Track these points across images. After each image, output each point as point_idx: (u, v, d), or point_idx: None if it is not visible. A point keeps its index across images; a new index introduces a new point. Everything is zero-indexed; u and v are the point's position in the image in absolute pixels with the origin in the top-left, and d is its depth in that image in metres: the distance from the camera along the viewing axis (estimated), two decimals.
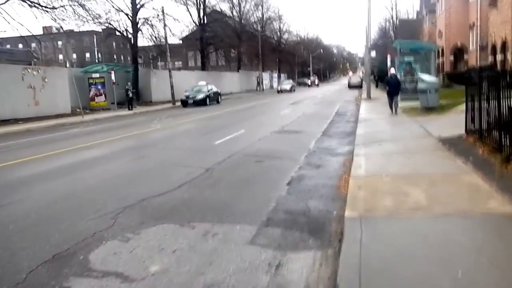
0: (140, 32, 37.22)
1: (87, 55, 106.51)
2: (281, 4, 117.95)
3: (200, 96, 34.41)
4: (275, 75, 79.65)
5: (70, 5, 27.33)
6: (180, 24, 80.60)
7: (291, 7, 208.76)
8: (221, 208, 6.67)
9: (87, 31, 74.95)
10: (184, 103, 33.99)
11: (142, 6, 36.41)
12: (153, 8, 37.66)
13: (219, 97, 37.92)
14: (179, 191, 7.76)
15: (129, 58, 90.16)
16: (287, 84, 59.10)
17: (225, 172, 9.14)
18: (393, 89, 18.66)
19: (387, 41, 57.20)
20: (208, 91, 35.80)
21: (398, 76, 26.17)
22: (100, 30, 58.03)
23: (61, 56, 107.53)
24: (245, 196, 7.38)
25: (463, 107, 17.72)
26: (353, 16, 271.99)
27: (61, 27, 32.84)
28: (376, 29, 63.33)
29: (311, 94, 44.96)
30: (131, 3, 35.84)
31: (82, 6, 28.22)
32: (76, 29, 39.29)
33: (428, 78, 18.82)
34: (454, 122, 14.22)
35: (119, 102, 33.66)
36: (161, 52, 38.63)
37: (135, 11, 36.09)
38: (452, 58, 41.85)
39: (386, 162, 8.91)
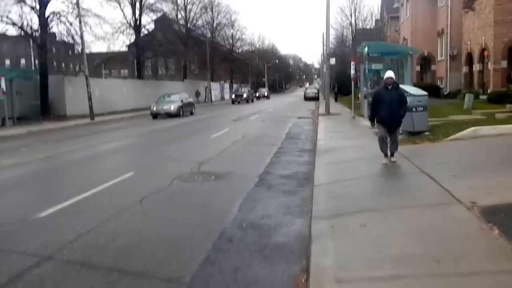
0: (50, 30, 30.26)
1: (22, 61, 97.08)
2: (236, 6, 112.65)
3: None
4: (227, 85, 73.59)
5: None
6: (109, 23, 71.79)
7: (246, 13, 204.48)
8: None
9: (23, 35, 66.30)
10: None
11: None
12: (66, 1, 30.06)
13: None
14: None
15: (71, 66, 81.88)
16: (171, 102, 29.80)
17: None
18: (391, 114, 8.98)
19: (345, 50, 52.51)
20: None
21: (368, 87, 20.92)
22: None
23: None
24: None
25: (469, 131, 12.39)
26: (310, 27, 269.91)
27: None
28: (333, 37, 58.33)
29: (261, 108, 39.25)
30: None
31: None
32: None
33: (413, 90, 13.36)
34: (478, 162, 8.66)
35: (21, 116, 26.85)
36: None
37: (43, 2, 29.21)
38: (418, 68, 37.30)
39: None
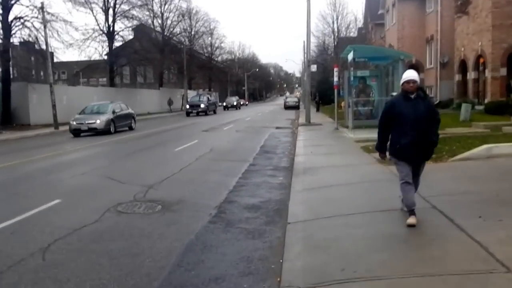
0: (14, 36, 28.25)
1: None
2: (216, 15, 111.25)
3: None
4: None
5: None
6: (80, 29, 68.67)
7: (226, 22, 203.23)
8: None
9: None
10: None
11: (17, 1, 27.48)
12: (31, 5, 27.96)
13: None
14: None
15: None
16: (97, 115, 22.84)
17: None
18: (417, 139, 5.28)
19: (327, 58, 50.90)
20: None
21: (349, 97, 18.99)
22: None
23: None
24: None
25: (481, 149, 10.24)
26: (291, 36, 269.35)
27: None
28: (315, 45, 56.35)
29: (238, 116, 37.17)
30: None
31: None
32: None
33: None
34: (509, 194, 6.55)
35: None
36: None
37: (6, 6, 27.02)
38: None
39: None
